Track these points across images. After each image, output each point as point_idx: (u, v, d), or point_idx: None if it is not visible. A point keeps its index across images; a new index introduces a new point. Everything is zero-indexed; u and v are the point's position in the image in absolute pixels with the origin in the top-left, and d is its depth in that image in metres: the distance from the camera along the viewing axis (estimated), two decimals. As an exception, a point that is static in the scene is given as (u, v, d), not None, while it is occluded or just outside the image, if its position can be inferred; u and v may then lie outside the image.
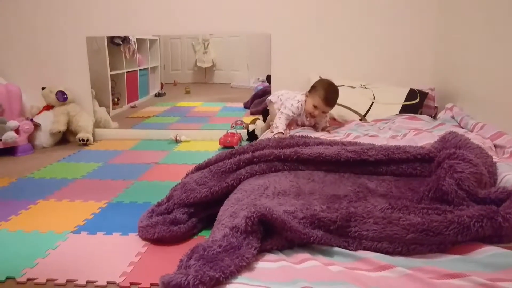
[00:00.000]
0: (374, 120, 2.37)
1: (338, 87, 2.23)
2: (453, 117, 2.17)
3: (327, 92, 2.15)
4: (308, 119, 2.27)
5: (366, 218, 1.02)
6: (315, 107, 2.18)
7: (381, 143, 1.59)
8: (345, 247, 1.00)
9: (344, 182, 1.35)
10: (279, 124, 2.20)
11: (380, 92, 2.54)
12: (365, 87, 2.59)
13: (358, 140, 1.79)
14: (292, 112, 2.22)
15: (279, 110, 2.28)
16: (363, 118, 2.45)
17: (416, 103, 2.46)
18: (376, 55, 2.78)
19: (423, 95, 2.51)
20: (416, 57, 2.75)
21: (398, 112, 2.42)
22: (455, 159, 1.20)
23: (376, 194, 1.26)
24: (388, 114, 2.39)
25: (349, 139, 1.91)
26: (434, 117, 2.41)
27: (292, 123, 2.33)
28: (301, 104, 2.23)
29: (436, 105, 2.55)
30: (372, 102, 2.49)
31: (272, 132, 2.19)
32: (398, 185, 1.32)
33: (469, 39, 2.22)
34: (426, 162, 1.38)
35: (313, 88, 2.20)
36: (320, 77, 2.40)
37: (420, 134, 1.89)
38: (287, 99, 2.29)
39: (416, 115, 2.34)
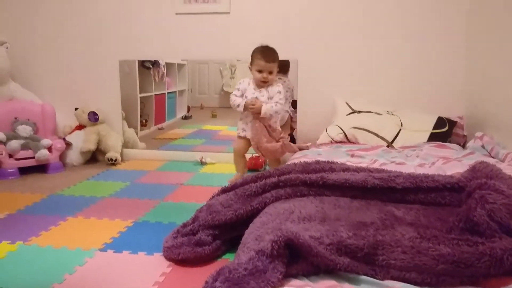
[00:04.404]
0: (402, 147, 2.34)
1: (365, 113, 2.22)
2: (483, 146, 2.12)
3: (260, 50, 2.31)
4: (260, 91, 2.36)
5: (394, 246, 1.00)
6: (259, 71, 2.30)
7: (408, 171, 1.57)
8: (372, 276, 0.98)
9: (371, 209, 1.33)
10: (278, 109, 2.32)
11: (408, 119, 2.52)
12: (392, 114, 2.57)
13: (385, 167, 1.77)
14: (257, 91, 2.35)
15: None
16: (390, 144, 2.42)
17: (445, 131, 2.42)
18: (403, 82, 2.77)
19: (452, 123, 2.47)
20: (444, 84, 2.72)
21: (426, 140, 2.39)
22: (487, 190, 1.17)
23: (403, 222, 1.24)
24: (416, 141, 2.36)
25: (376, 165, 1.89)
26: (463, 146, 2.36)
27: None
28: (250, 81, 2.38)
29: (465, 134, 2.50)
30: (400, 129, 2.47)
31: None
32: (426, 214, 1.29)
33: (499, 66, 2.19)
34: (456, 192, 1.34)
35: (251, 59, 2.36)
36: (348, 104, 2.38)
37: (449, 163, 1.85)
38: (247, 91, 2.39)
39: (444, 143, 2.30)
